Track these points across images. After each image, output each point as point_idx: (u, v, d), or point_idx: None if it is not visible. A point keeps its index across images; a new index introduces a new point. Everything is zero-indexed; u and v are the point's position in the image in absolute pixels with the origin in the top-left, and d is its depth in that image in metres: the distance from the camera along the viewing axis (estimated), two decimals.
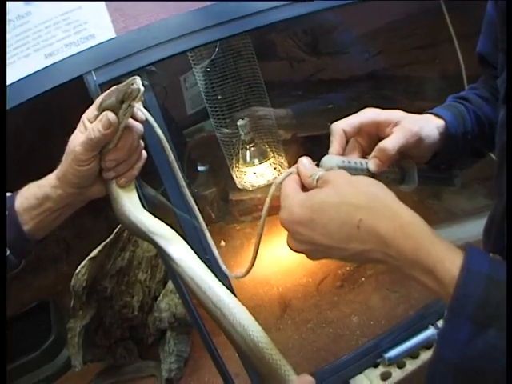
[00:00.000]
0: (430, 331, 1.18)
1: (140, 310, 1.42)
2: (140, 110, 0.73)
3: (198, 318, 1.04)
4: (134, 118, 0.73)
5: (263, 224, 0.66)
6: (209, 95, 1.45)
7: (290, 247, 0.57)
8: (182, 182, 0.77)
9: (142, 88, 0.70)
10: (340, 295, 1.46)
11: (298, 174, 0.61)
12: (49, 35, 0.89)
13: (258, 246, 0.70)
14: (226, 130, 1.46)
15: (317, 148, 1.76)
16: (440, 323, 1.19)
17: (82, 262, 1.27)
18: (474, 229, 0.77)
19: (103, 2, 0.88)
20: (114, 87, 0.73)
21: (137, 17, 0.90)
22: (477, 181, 1.67)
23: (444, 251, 0.47)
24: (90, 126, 0.72)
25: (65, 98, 1.02)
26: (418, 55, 1.77)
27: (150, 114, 0.90)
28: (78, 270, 1.28)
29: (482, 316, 0.43)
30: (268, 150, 1.49)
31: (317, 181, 0.57)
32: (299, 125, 1.69)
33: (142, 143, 0.78)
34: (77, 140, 0.72)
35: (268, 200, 0.64)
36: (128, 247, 1.42)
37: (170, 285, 1.38)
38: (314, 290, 1.49)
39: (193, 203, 0.80)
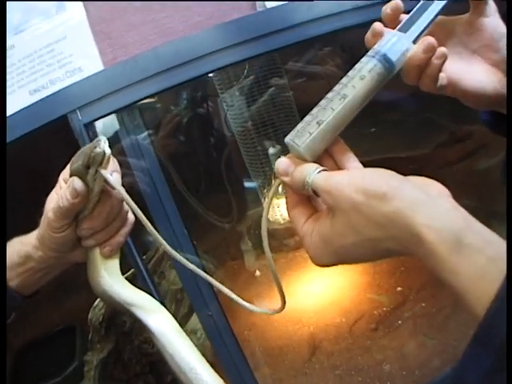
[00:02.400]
0: None
1: None
2: (107, 177, 0.58)
3: None
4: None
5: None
6: (237, 121, 1.29)
7: None
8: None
9: (108, 151, 0.56)
10: (374, 339, 1.26)
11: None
12: (33, 70, 0.76)
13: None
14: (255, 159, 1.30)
15: None
16: None
17: None
18: None
19: (89, 31, 0.74)
20: (82, 148, 0.60)
21: (127, 46, 0.75)
22: None
23: (476, 272, 0.38)
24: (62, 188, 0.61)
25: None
26: None
27: (142, 153, 0.77)
28: (95, 304, 1.18)
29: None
30: None
31: (313, 191, 0.49)
32: None
33: (126, 207, 0.65)
34: (51, 203, 0.61)
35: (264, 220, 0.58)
36: (153, 279, 1.29)
37: (190, 324, 1.24)
38: (346, 331, 1.30)
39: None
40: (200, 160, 1.60)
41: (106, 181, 0.59)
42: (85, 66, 0.75)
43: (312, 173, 0.49)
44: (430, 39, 0.52)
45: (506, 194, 0.56)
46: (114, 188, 0.59)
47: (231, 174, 1.65)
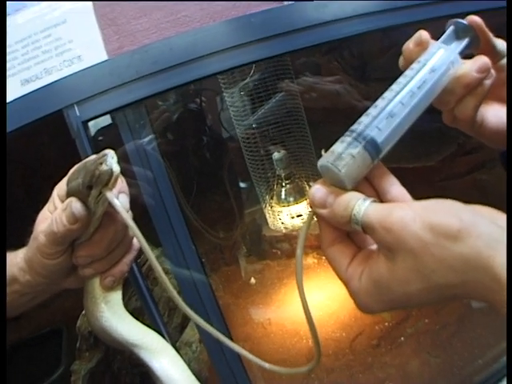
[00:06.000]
0: None
1: None
2: (114, 202, 0.45)
3: None
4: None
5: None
6: (239, 121, 1.17)
7: None
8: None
9: (117, 169, 0.43)
10: (375, 356, 1.15)
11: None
12: (26, 57, 0.62)
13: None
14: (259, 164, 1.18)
15: None
16: None
17: None
18: None
19: (93, 15, 0.61)
20: (84, 161, 0.46)
21: (135, 34, 0.62)
22: None
23: None
24: (58, 207, 0.48)
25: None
26: None
27: (149, 160, 0.64)
28: (84, 312, 1.06)
29: None
30: (306, 187, 1.18)
31: (362, 228, 0.38)
32: None
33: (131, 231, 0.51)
34: (42, 223, 0.47)
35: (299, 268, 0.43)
36: (147, 285, 1.17)
37: (186, 336, 1.12)
38: (346, 346, 1.18)
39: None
40: (192, 162, 1.47)
41: (111, 204, 0.46)
42: (86, 55, 0.61)
43: (361, 205, 0.38)
44: (485, 59, 0.45)
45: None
46: (119, 214, 0.46)
47: (228, 178, 1.53)
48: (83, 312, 1.05)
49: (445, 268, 0.35)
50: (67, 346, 1.36)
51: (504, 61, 0.48)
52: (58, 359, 1.32)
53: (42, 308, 1.53)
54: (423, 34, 0.46)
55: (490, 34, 0.47)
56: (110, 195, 0.44)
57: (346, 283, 0.41)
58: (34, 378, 1.29)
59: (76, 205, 0.44)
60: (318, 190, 0.40)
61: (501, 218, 0.37)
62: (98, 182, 0.43)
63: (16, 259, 0.51)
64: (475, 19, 0.46)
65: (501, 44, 0.48)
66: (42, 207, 0.51)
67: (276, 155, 1.15)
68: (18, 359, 1.37)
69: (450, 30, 0.47)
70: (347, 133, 0.41)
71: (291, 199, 1.17)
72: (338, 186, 0.40)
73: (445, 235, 0.35)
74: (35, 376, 1.30)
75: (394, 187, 0.42)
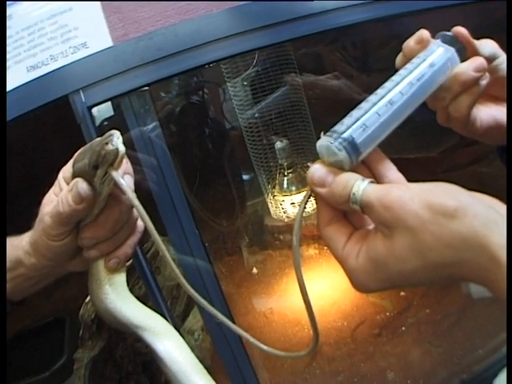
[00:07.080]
0: None
1: None
2: (119, 181, 0.45)
3: None
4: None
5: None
6: (243, 112, 1.18)
7: None
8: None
9: (122, 149, 0.44)
10: (376, 345, 1.16)
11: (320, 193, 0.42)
12: (32, 44, 0.64)
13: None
14: (261, 152, 1.20)
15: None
16: None
17: None
18: None
19: (99, 3, 0.62)
20: (90, 143, 0.47)
21: (140, 21, 0.63)
22: None
23: None
24: (63, 190, 0.49)
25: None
26: None
27: (153, 146, 0.65)
28: (87, 300, 1.07)
29: None
30: None
31: (361, 207, 0.39)
32: None
33: (135, 212, 0.53)
34: (48, 205, 0.48)
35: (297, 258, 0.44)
36: (152, 271, 1.19)
37: (188, 324, 1.13)
38: (348, 336, 1.20)
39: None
40: (195, 153, 1.48)
41: (116, 184, 0.46)
42: (91, 42, 0.63)
43: (360, 184, 0.39)
44: (482, 59, 0.47)
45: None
46: (124, 194, 0.47)
47: (230, 168, 1.54)
48: (86, 300, 1.06)
49: (442, 246, 0.36)
50: (70, 335, 1.38)
51: (495, 62, 0.50)
52: (61, 349, 1.33)
53: (44, 298, 1.55)
54: (424, 32, 0.48)
55: (476, 43, 0.49)
56: (116, 175, 0.45)
57: (343, 262, 0.41)
58: (36, 367, 1.30)
59: (82, 185, 0.45)
60: (317, 169, 0.41)
61: (498, 205, 0.38)
62: (103, 162, 0.44)
63: (21, 243, 0.52)
64: (460, 30, 0.48)
65: (489, 47, 0.49)
66: (42, 198, 0.52)
67: (278, 144, 1.17)
68: (20, 348, 1.38)
69: (437, 42, 0.49)
70: (347, 116, 0.42)
71: (293, 188, 1.19)
72: (336, 166, 0.41)
73: (443, 214, 0.35)
74: (38, 365, 1.31)
75: (391, 172, 0.43)
